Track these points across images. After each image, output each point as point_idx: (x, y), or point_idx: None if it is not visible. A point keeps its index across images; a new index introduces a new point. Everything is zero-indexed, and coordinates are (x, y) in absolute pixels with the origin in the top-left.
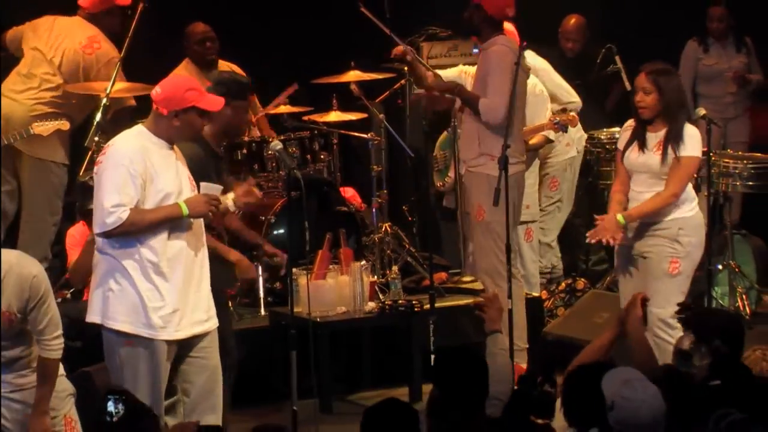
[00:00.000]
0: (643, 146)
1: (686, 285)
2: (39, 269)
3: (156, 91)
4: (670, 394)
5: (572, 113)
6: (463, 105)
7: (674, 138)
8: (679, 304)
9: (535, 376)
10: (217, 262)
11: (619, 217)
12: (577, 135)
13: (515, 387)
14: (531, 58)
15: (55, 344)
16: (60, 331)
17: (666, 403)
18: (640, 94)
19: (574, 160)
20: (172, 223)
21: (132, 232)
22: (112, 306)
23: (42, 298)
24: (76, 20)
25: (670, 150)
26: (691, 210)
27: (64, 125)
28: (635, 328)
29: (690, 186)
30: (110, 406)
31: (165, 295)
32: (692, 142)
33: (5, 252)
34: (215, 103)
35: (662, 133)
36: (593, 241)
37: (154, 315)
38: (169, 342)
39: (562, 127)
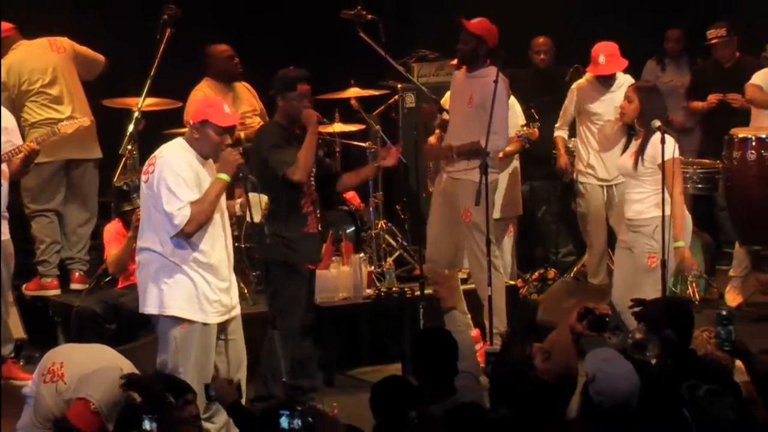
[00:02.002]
0: (628, 151)
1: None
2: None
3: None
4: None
5: (534, 127)
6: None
7: (645, 143)
8: (632, 300)
9: (516, 335)
10: (304, 240)
11: (678, 243)
12: None
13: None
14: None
15: None
16: None
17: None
18: (624, 101)
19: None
20: None
21: (203, 221)
22: (167, 296)
23: None
24: None
25: (644, 155)
26: (669, 210)
27: (86, 122)
28: (564, 336)
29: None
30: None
31: (211, 283)
32: (671, 147)
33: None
34: (228, 119)
35: (636, 140)
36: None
37: (205, 301)
38: (215, 325)
39: (525, 140)
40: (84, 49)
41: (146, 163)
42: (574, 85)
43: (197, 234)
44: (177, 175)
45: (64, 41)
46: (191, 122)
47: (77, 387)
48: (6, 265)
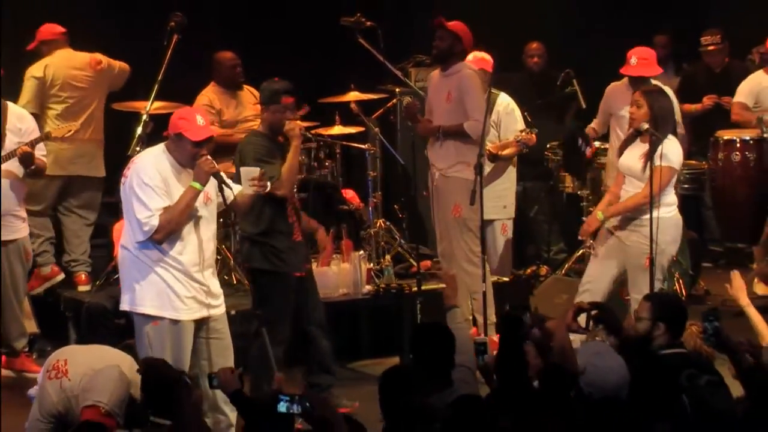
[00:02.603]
0: (631, 152)
1: (660, 275)
2: None
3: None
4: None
5: (533, 132)
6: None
7: (656, 149)
8: (589, 303)
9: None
10: (292, 249)
11: (599, 213)
12: None
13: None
14: (503, 98)
15: None
16: None
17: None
18: (633, 107)
19: None
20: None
21: (174, 229)
22: (138, 294)
23: None
24: None
25: (653, 158)
26: (669, 212)
27: (74, 126)
28: (561, 334)
29: (672, 190)
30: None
31: (183, 282)
32: (672, 155)
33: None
34: (199, 133)
35: (647, 143)
36: (582, 237)
37: (176, 299)
38: (188, 322)
39: (523, 145)
40: (117, 65)
41: (125, 167)
42: (608, 87)
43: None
44: (145, 184)
45: (103, 61)
46: (168, 134)
47: (83, 395)
48: (22, 262)
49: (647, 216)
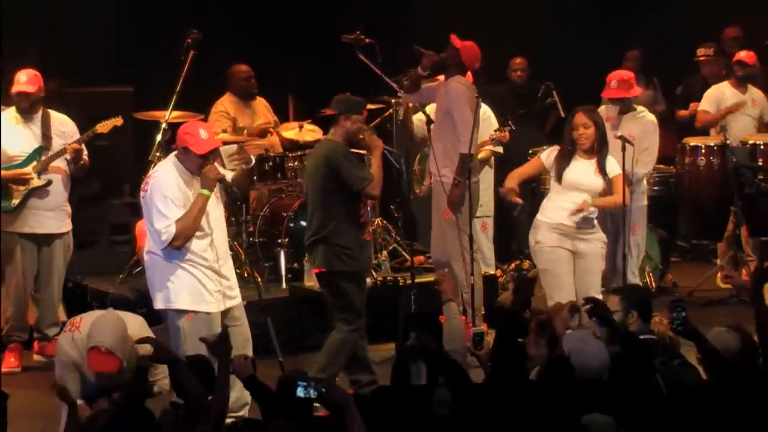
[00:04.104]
0: (579, 169)
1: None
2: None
3: None
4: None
5: (506, 130)
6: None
7: (605, 161)
8: (585, 299)
9: (516, 303)
10: (363, 247)
11: (589, 199)
12: None
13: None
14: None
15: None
16: None
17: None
18: (581, 129)
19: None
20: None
21: (190, 235)
22: (172, 292)
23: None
24: None
25: (605, 171)
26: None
27: (118, 121)
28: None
29: None
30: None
31: (210, 276)
32: (616, 163)
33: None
34: (203, 146)
35: (594, 160)
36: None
37: (206, 293)
38: (217, 313)
39: (497, 142)
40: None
41: (144, 181)
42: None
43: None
44: (165, 197)
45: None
46: (176, 147)
47: (87, 342)
48: (65, 255)
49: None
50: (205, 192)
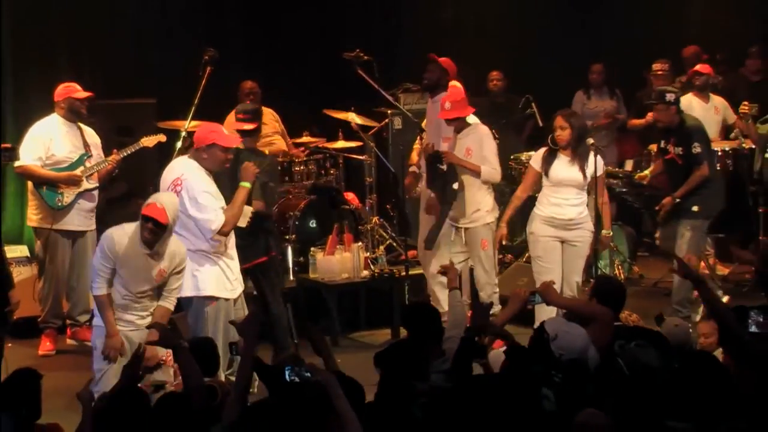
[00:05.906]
0: (561, 166)
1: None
2: (185, 250)
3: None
4: None
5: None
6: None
7: (584, 159)
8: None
9: (475, 331)
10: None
11: (607, 231)
12: None
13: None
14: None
15: (173, 299)
16: (178, 293)
17: None
18: (558, 130)
19: None
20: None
21: (235, 223)
22: (200, 281)
23: (182, 269)
24: None
25: (585, 168)
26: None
27: (162, 137)
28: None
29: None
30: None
31: (230, 266)
32: (600, 163)
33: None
34: (230, 141)
35: (573, 157)
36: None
37: (227, 281)
38: (233, 299)
39: None
40: None
41: (171, 183)
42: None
43: None
44: (204, 191)
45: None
46: (199, 146)
47: (151, 198)
48: (93, 250)
49: (586, 213)
50: (246, 184)
